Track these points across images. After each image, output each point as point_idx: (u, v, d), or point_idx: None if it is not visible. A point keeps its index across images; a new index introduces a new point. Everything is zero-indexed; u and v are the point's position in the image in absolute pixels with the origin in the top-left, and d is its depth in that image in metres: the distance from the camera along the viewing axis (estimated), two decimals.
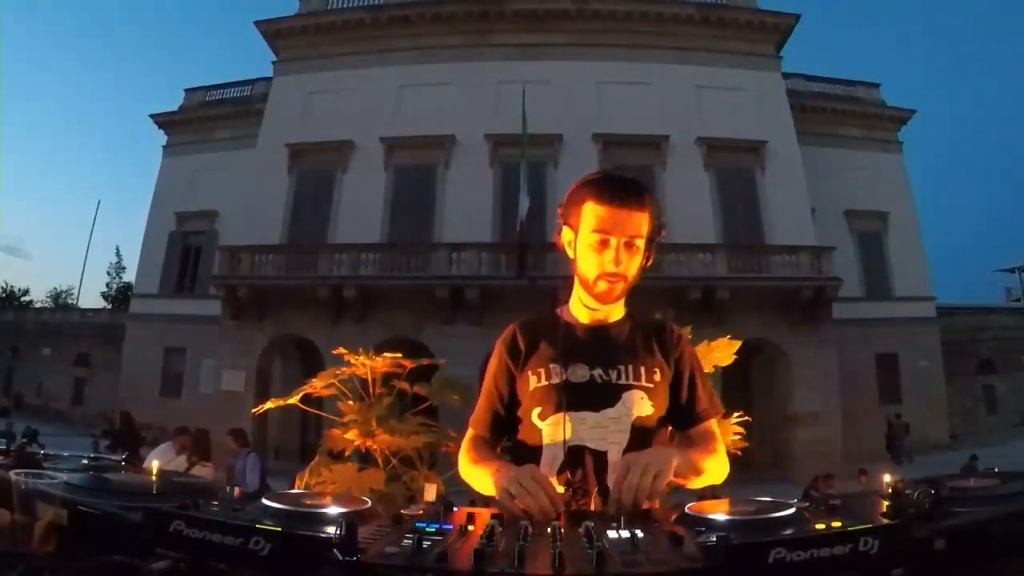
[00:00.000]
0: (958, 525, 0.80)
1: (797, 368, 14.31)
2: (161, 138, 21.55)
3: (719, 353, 2.37)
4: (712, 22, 17.11)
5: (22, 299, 37.75)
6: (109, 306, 33.53)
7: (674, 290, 13.42)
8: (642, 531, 0.80)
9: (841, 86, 20.50)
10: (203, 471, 4.54)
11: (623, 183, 1.13)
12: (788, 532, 0.78)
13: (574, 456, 1.11)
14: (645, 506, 0.94)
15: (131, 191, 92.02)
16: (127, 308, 23.17)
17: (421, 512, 0.95)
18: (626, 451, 1.09)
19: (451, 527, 0.84)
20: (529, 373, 1.18)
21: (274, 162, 16.56)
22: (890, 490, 0.93)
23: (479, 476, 1.10)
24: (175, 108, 21.58)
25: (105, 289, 38.33)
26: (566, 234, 1.18)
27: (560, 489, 1.07)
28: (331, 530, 0.75)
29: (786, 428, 14.28)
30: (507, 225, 14.79)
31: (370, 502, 0.96)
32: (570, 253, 1.19)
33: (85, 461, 1.44)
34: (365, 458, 2.43)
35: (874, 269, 18.28)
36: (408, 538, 0.75)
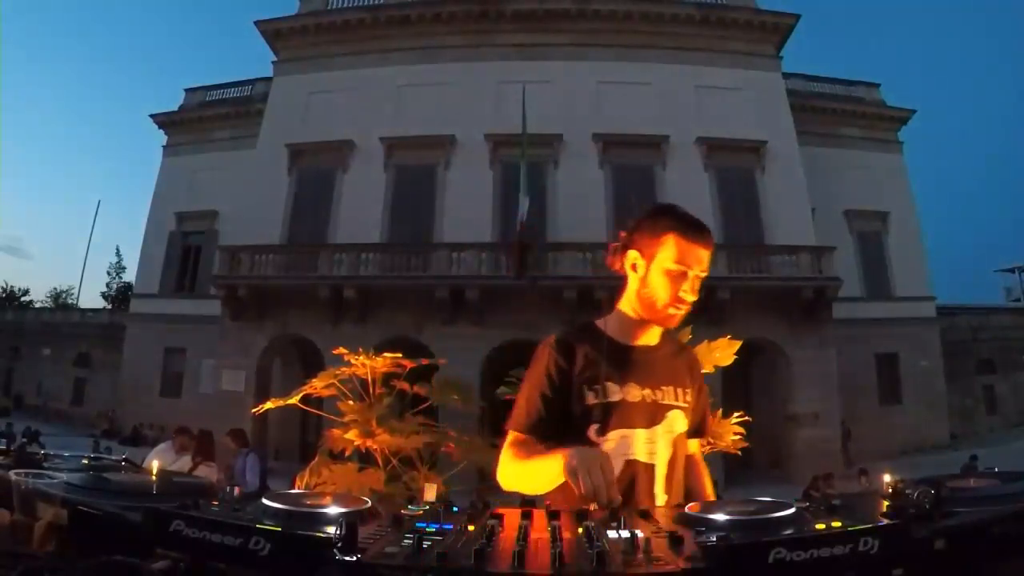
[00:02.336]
0: (958, 525, 0.80)
1: (797, 368, 14.31)
2: (161, 138, 21.57)
3: (719, 353, 2.37)
4: (712, 22, 17.11)
5: (22, 299, 37.75)
6: (109, 306, 33.50)
7: None
8: (642, 531, 0.80)
9: (841, 86, 20.49)
10: (207, 471, 4.54)
11: (701, 223, 1.25)
12: (788, 532, 0.78)
13: (628, 469, 1.21)
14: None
15: (131, 191, 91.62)
16: (127, 308, 23.18)
17: (421, 512, 0.95)
18: (669, 463, 1.24)
19: (451, 527, 0.84)
20: (585, 388, 1.23)
21: (274, 162, 16.56)
22: (890, 490, 0.93)
23: (537, 467, 1.13)
24: (175, 108, 21.59)
25: (105, 289, 38.34)
26: (632, 256, 1.26)
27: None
28: (331, 530, 0.75)
29: (786, 428, 14.28)
30: (507, 225, 14.78)
31: (370, 502, 0.96)
32: (631, 274, 1.27)
33: (85, 461, 1.44)
34: (365, 458, 2.43)
35: (874, 269, 18.28)
36: (408, 538, 0.75)
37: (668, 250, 1.21)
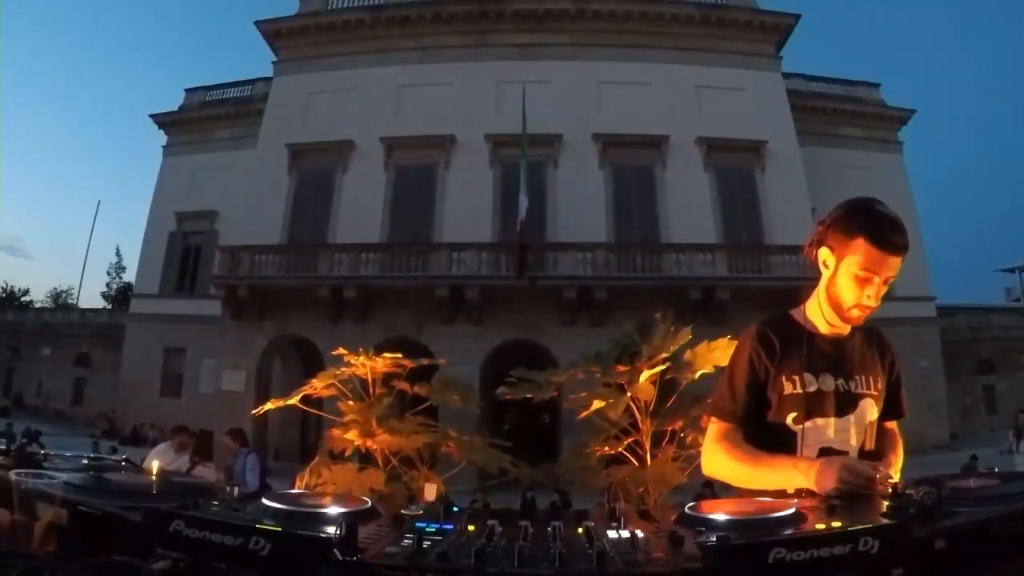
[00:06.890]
0: (958, 525, 0.80)
1: None
2: (161, 138, 21.58)
3: (719, 353, 2.37)
4: (712, 22, 17.10)
5: (22, 299, 37.71)
6: (109, 306, 33.47)
7: (674, 290, 13.42)
8: (642, 531, 0.80)
9: (841, 86, 20.48)
10: (205, 471, 4.53)
11: (896, 227, 1.18)
12: (788, 532, 0.78)
13: (821, 457, 1.23)
14: None
15: (131, 191, 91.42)
16: (127, 308, 23.17)
17: (421, 512, 0.96)
18: (860, 451, 1.27)
19: (451, 527, 0.85)
20: (783, 378, 1.27)
21: (274, 162, 16.56)
22: (890, 490, 0.93)
23: (764, 473, 1.19)
24: (175, 108, 21.59)
25: (105, 289, 38.30)
26: (823, 253, 1.26)
27: None
28: (331, 530, 0.75)
29: None
30: (507, 225, 14.78)
31: (370, 502, 0.96)
32: (822, 270, 1.28)
33: (85, 461, 1.44)
34: (365, 458, 2.44)
35: None
36: (408, 538, 0.75)
37: (857, 254, 1.19)
